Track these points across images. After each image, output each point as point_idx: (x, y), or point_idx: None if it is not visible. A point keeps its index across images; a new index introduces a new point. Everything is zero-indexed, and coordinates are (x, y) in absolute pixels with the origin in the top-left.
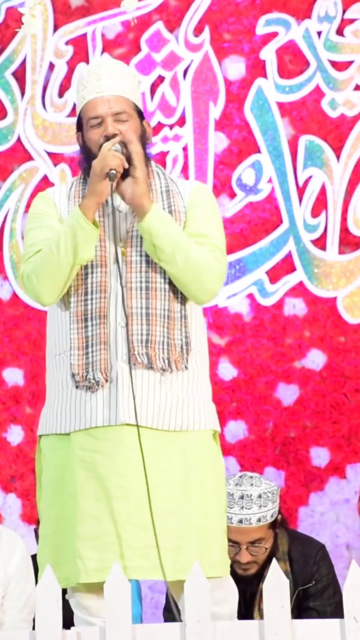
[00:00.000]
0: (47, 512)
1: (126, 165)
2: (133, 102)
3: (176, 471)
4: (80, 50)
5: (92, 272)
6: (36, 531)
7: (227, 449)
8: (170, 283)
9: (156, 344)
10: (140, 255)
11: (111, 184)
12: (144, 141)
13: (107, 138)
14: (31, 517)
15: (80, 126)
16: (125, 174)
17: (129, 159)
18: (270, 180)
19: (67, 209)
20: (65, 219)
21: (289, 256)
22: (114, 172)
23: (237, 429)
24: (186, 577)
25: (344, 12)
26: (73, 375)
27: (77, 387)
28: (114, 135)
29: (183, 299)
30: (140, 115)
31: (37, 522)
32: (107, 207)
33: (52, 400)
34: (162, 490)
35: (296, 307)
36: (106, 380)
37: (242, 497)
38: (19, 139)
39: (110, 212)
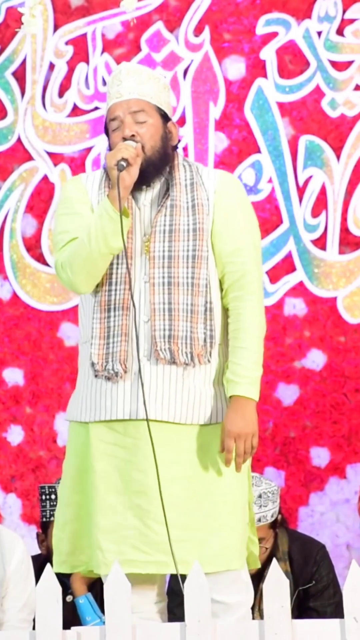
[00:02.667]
0: (68, 498)
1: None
2: (155, 104)
3: (199, 465)
4: (80, 50)
5: (118, 264)
6: (38, 534)
7: None
8: (194, 277)
9: (179, 338)
10: (163, 251)
11: (118, 175)
12: (166, 142)
13: (125, 139)
14: (31, 517)
15: (107, 132)
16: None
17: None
18: (270, 180)
19: (97, 197)
20: (95, 208)
21: (289, 256)
22: (122, 163)
23: None
24: (209, 570)
25: (344, 12)
26: (93, 365)
27: (96, 376)
28: (132, 137)
29: (207, 293)
30: (165, 117)
31: (39, 525)
32: (133, 201)
33: (77, 388)
34: (185, 484)
35: (296, 307)
36: (125, 372)
37: None
38: (19, 139)
39: (135, 206)
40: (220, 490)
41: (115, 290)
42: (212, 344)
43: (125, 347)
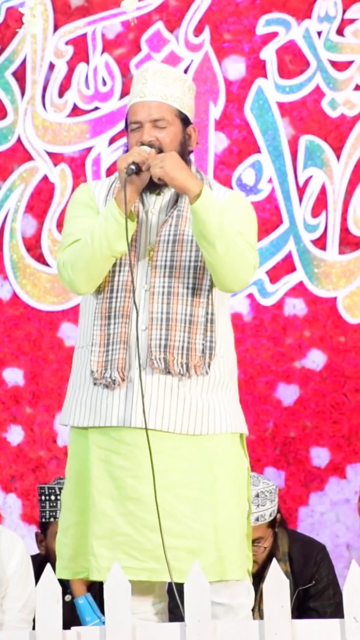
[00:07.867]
0: (69, 502)
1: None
2: (177, 108)
3: (195, 474)
4: (80, 50)
5: (120, 271)
6: (37, 534)
7: None
8: (195, 288)
9: (175, 349)
10: (166, 260)
11: (126, 178)
12: (185, 147)
13: (142, 144)
14: (31, 517)
15: (127, 127)
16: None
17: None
18: (270, 180)
19: (104, 203)
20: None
21: (289, 256)
22: (132, 167)
23: None
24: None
25: (344, 12)
26: (92, 372)
27: (95, 384)
28: (150, 143)
29: (209, 304)
30: (185, 120)
31: (38, 525)
32: (141, 209)
33: (72, 392)
34: (180, 493)
35: (296, 307)
36: (122, 380)
37: None
38: (19, 139)
39: (144, 214)
40: (217, 499)
41: (116, 297)
42: (211, 355)
43: (124, 355)
